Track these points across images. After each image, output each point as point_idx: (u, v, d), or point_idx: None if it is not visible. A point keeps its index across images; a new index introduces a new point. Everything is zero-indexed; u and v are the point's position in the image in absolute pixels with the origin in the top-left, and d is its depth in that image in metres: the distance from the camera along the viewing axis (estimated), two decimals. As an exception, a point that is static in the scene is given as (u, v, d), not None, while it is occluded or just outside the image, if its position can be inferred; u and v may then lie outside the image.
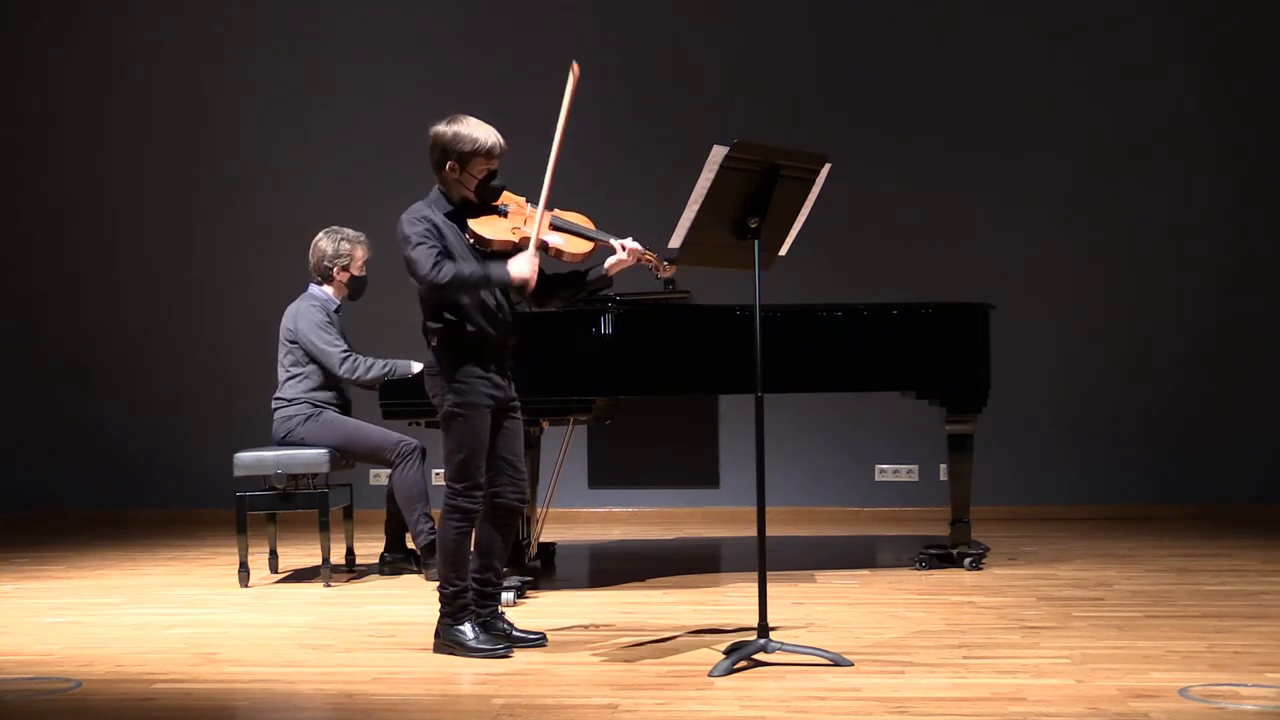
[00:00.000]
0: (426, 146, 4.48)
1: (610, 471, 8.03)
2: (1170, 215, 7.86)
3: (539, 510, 5.89)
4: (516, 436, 4.58)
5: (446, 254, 4.35)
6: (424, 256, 4.31)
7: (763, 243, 4.36)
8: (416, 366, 5.85)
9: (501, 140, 4.46)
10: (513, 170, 4.60)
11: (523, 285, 4.36)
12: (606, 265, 4.52)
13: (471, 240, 4.43)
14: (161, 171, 8.33)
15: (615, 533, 7.58)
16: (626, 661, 4.36)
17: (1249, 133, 7.84)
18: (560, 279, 4.61)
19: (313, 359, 6.11)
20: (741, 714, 3.73)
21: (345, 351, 6.08)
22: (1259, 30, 7.83)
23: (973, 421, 5.97)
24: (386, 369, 6.02)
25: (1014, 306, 6.97)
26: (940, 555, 6.03)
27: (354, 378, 6.07)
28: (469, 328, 4.40)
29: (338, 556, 6.14)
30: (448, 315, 4.40)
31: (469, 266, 4.34)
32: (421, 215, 4.40)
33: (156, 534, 7.59)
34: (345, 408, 6.20)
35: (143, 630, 5.02)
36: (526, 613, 5.12)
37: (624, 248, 4.49)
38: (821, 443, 7.92)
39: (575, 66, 4.40)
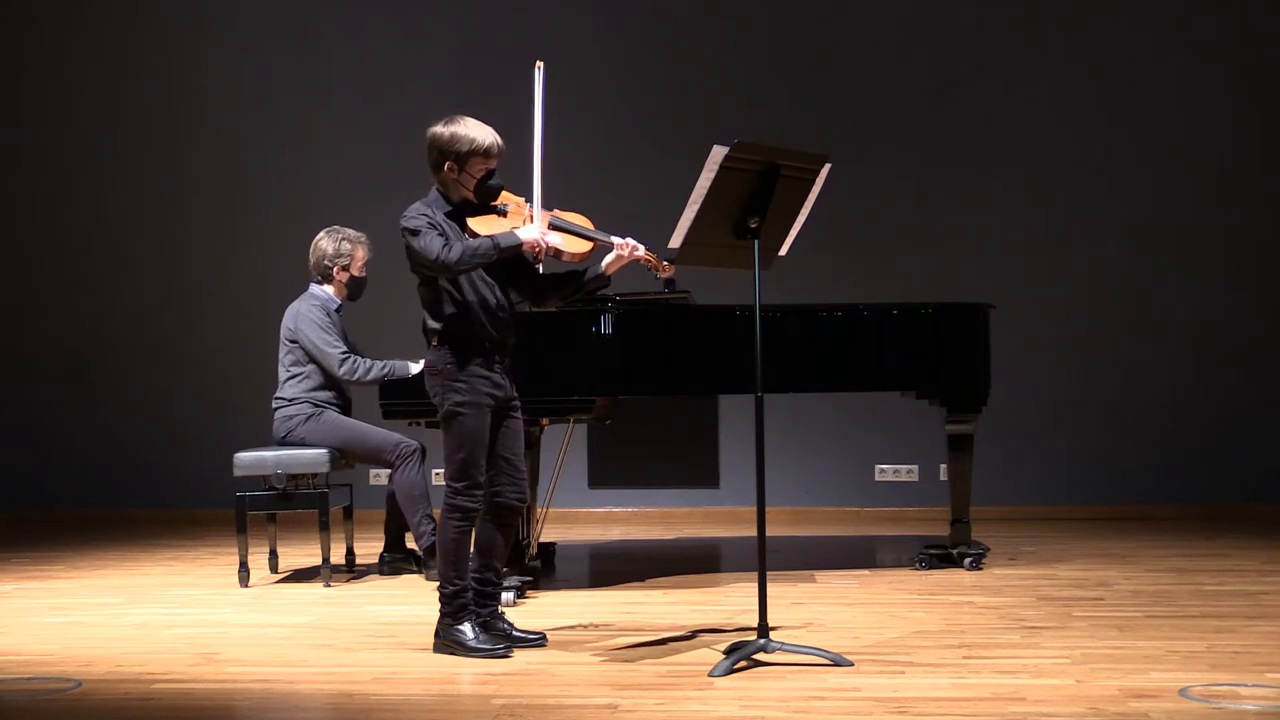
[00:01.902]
0: (424, 148, 4.50)
1: (610, 471, 8.03)
2: (1170, 215, 7.86)
3: (539, 510, 5.90)
4: (517, 436, 4.58)
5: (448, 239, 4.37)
6: (431, 242, 4.31)
7: (763, 243, 4.36)
8: (415, 367, 5.85)
9: (499, 140, 4.47)
10: (512, 171, 4.60)
11: (533, 248, 4.36)
12: (604, 264, 4.52)
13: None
14: (162, 172, 8.33)
15: (615, 533, 7.58)
16: (626, 661, 4.36)
17: (1249, 133, 7.84)
18: (558, 278, 4.62)
19: (312, 359, 6.11)
20: (741, 714, 3.74)
21: (344, 353, 6.08)
22: (1259, 30, 7.83)
23: (973, 421, 5.96)
24: (385, 370, 6.02)
25: (1014, 306, 6.97)
26: (940, 555, 6.03)
27: (353, 379, 6.07)
28: (470, 327, 4.41)
29: (338, 556, 6.14)
30: (449, 314, 4.41)
31: (474, 240, 4.34)
32: (420, 212, 4.41)
33: (156, 534, 7.59)
34: (345, 407, 6.20)
35: (143, 630, 5.02)
36: (526, 613, 5.12)
37: (622, 246, 4.49)
38: (821, 443, 7.92)
39: (540, 64, 4.50)
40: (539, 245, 4.36)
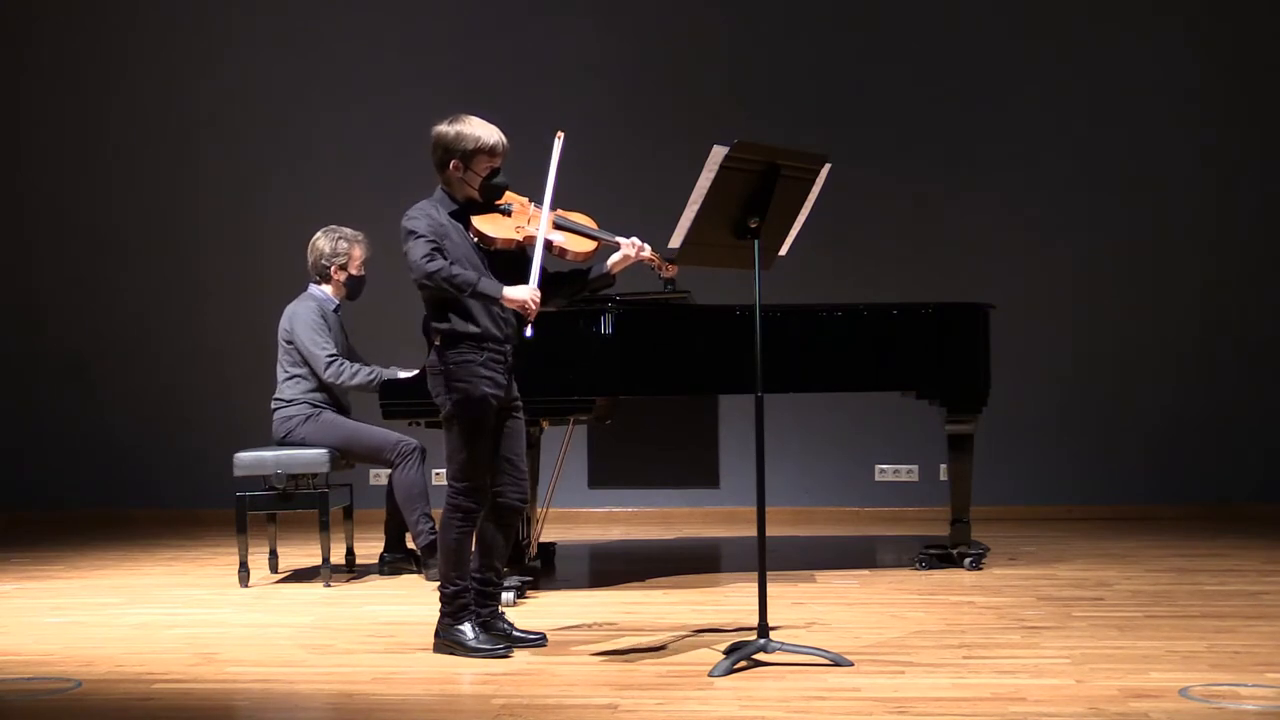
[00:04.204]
0: (429, 146, 4.50)
1: (610, 471, 8.03)
2: (1169, 216, 7.86)
3: (539, 510, 5.90)
4: (518, 436, 4.59)
5: (444, 253, 4.35)
6: (419, 247, 4.32)
7: (763, 243, 4.36)
8: (403, 374, 5.84)
9: (504, 138, 4.48)
10: (514, 170, 4.60)
11: (519, 308, 4.32)
12: (609, 263, 4.54)
13: (475, 239, 4.43)
14: (162, 171, 8.33)
15: (615, 533, 7.58)
16: (626, 661, 4.37)
17: (1248, 134, 7.83)
18: (562, 277, 4.62)
19: (306, 360, 6.11)
20: (741, 714, 3.74)
21: (331, 356, 6.06)
22: (1258, 32, 7.83)
23: (973, 421, 5.96)
24: (372, 376, 6.00)
25: (1014, 306, 6.96)
26: (940, 555, 6.03)
27: (338, 382, 6.06)
28: (472, 327, 4.40)
29: (338, 556, 6.14)
30: (451, 314, 4.40)
31: (460, 269, 4.33)
32: (425, 213, 4.41)
33: (156, 534, 7.59)
34: (344, 409, 6.20)
35: (143, 630, 5.02)
36: (526, 613, 5.12)
37: (629, 246, 4.50)
38: (821, 443, 7.92)
39: (560, 134, 4.47)
40: (527, 307, 4.31)
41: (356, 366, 6.07)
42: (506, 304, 4.34)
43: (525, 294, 4.31)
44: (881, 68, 7.98)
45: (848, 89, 7.98)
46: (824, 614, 5.04)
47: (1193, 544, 6.66)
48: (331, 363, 6.05)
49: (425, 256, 4.29)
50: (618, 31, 8.09)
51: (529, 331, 4.35)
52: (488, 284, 4.33)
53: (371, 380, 5.96)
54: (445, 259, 4.32)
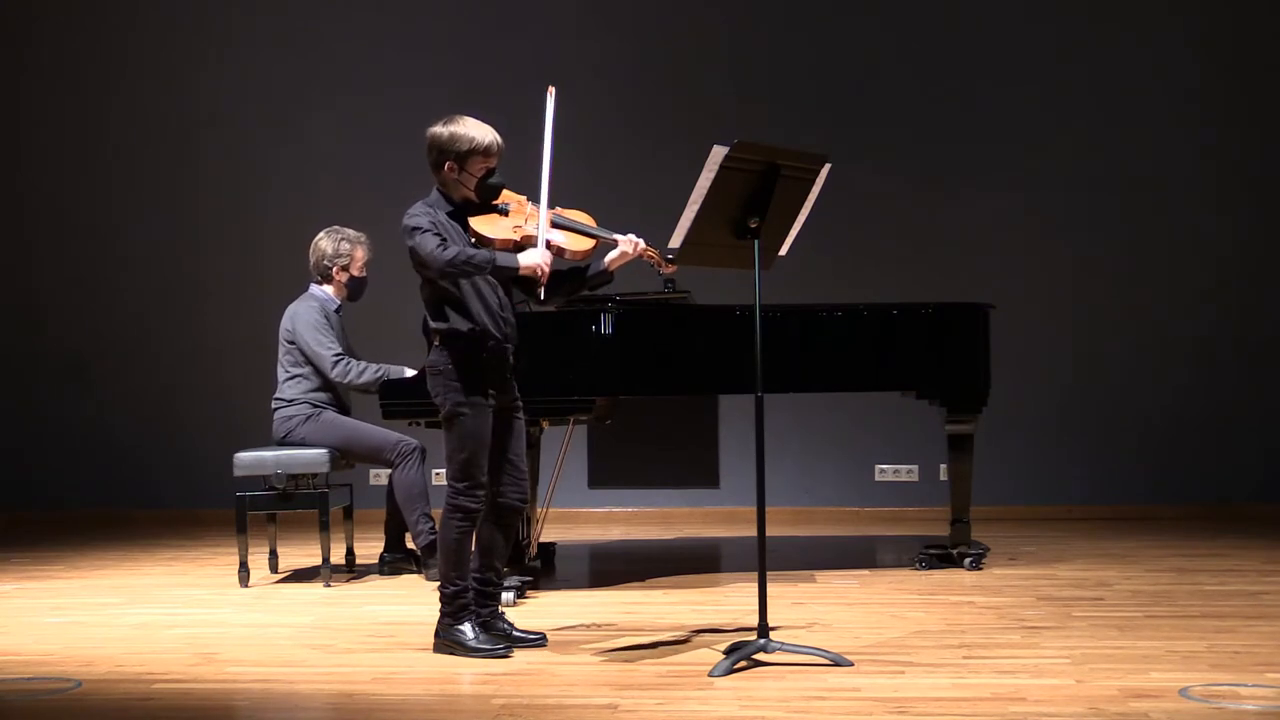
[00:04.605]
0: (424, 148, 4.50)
1: (610, 471, 8.03)
2: (1169, 216, 7.86)
3: (539, 510, 5.90)
4: (518, 436, 4.59)
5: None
6: (428, 240, 4.33)
7: (763, 243, 4.36)
8: (409, 372, 5.85)
9: (499, 138, 4.48)
10: (513, 170, 4.60)
11: (532, 274, 4.35)
12: (607, 260, 4.54)
13: (474, 240, 4.43)
14: (162, 171, 8.33)
15: (615, 533, 7.58)
16: (626, 661, 4.37)
17: (1247, 134, 7.83)
18: (561, 275, 4.61)
19: (308, 360, 6.11)
20: (741, 714, 3.74)
21: (338, 355, 6.07)
22: (1258, 32, 7.83)
23: (973, 421, 5.96)
24: (379, 373, 6.01)
25: (1014, 306, 6.96)
26: (940, 555, 6.03)
27: (345, 381, 6.07)
28: (471, 327, 4.41)
29: (338, 556, 6.14)
30: (451, 314, 4.41)
31: (473, 250, 4.36)
32: (423, 211, 4.42)
33: (156, 534, 7.59)
34: (344, 409, 6.20)
35: (143, 630, 5.02)
36: (526, 613, 5.12)
37: (627, 243, 4.50)
38: (821, 443, 7.92)
39: (552, 89, 4.48)
40: (540, 270, 4.34)
41: (364, 364, 6.07)
42: (522, 270, 4.35)
43: (537, 258, 4.35)
44: (881, 68, 7.98)
45: (848, 89, 7.98)
46: (824, 614, 5.04)
47: (1193, 544, 6.66)
48: (338, 361, 6.05)
49: (438, 246, 4.31)
50: (618, 31, 8.09)
51: (543, 295, 4.38)
52: (502, 256, 4.36)
53: (379, 377, 5.96)
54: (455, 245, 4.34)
